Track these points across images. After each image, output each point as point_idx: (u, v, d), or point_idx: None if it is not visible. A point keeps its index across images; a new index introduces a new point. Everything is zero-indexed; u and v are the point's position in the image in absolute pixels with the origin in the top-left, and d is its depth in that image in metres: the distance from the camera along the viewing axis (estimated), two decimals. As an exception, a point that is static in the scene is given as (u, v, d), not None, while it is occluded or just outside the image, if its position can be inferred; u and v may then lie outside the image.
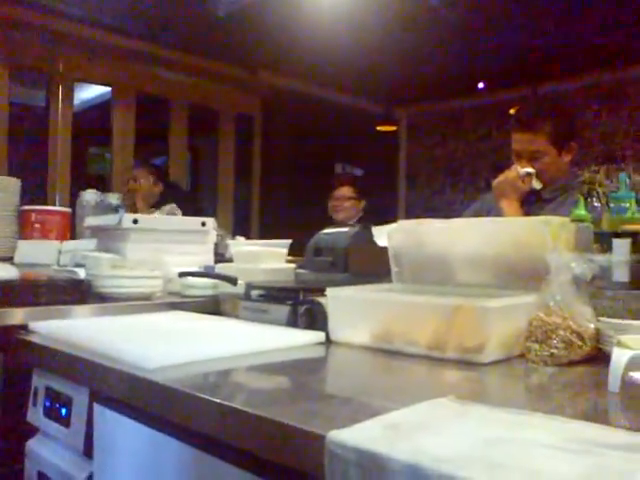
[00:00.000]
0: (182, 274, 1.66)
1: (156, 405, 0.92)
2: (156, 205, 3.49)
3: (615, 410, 0.87)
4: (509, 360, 1.10)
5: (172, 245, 1.98)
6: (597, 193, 1.32)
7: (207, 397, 0.82)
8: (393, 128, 6.33)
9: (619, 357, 0.89)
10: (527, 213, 1.93)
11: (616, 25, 4.54)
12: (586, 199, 1.33)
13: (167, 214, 3.11)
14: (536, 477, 0.55)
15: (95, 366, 1.07)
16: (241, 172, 5.98)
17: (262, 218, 6.00)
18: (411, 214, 7.09)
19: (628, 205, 1.27)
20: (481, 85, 6.20)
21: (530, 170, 1.94)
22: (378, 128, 6.23)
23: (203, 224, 2.03)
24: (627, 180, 1.31)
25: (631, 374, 0.85)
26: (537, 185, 1.96)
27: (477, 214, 2.16)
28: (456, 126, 6.71)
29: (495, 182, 2.01)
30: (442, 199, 6.71)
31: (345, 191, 3.79)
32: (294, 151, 6.01)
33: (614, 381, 0.87)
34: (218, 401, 0.81)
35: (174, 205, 3.42)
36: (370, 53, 5.14)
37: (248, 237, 5.75)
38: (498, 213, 1.98)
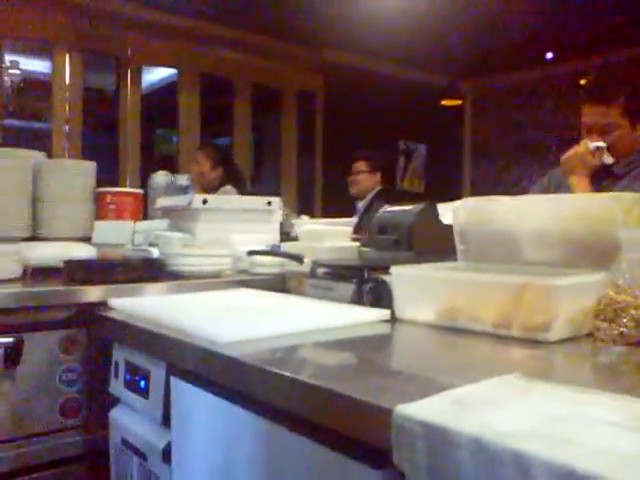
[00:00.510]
0: (250, 252, 1.71)
1: (228, 378, 0.97)
2: (212, 190, 3.56)
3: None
4: (577, 339, 1.09)
5: (239, 224, 2.03)
6: (672, 168, 1.27)
7: (277, 371, 0.86)
8: (458, 102, 6.21)
9: (692, 336, 0.87)
10: (597, 189, 1.88)
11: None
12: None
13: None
14: (602, 454, 0.56)
15: (171, 341, 1.13)
16: (304, 151, 6.02)
17: (325, 196, 6.03)
18: (477, 190, 6.96)
19: None
20: (550, 55, 5.99)
21: (601, 144, 1.88)
22: (442, 102, 6.12)
23: (269, 203, 2.08)
24: None
25: None
26: (608, 160, 1.89)
27: (544, 191, 2.11)
28: (523, 99, 6.52)
29: (564, 157, 1.96)
30: (509, 175, 6.57)
31: (359, 165, 3.95)
32: (356, 128, 5.99)
33: (687, 361, 0.86)
34: (288, 374, 0.84)
35: (229, 187, 3.52)
36: (433, 26, 5.05)
37: (312, 215, 5.82)
38: (567, 189, 1.94)
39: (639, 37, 5.16)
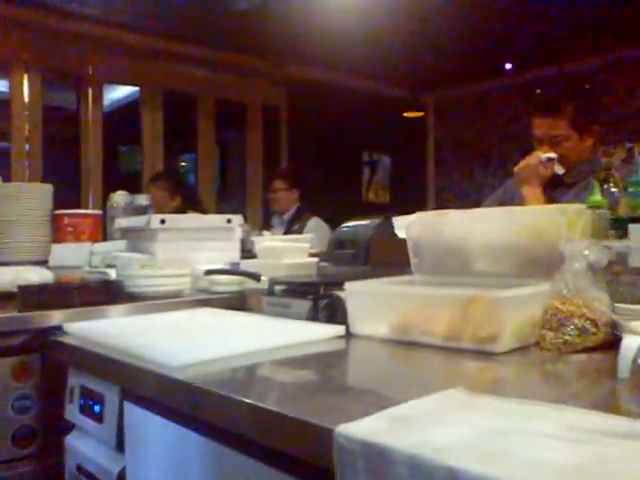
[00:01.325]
0: (208, 272, 1.71)
1: (180, 402, 0.96)
2: None
3: (623, 397, 0.88)
4: (525, 349, 1.12)
5: (199, 243, 2.03)
6: (613, 178, 1.31)
7: (227, 394, 0.86)
8: (420, 114, 6.29)
9: (629, 344, 0.90)
10: (550, 198, 1.93)
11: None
12: (602, 185, 1.33)
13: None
14: (531, 466, 0.57)
15: (124, 365, 1.12)
16: (269, 165, 6.03)
17: (291, 210, 6.03)
18: (441, 199, 7.05)
19: (645, 189, 1.27)
20: (509, 66, 6.11)
21: (552, 155, 1.93)
22: (405, 114, 6.19)
23: (229, 221, 2.08)
24: (644, 164, 1.30)
25: (641, 361, 0.86)
26: (559, 170, 1.94)
27: (500, 201, 2.16)
28: (484, 109, 6.64)
29: (517, 168, 2.00)
30: (472, 183, 6.66)
31: (277, 183, 4.02)
32: (321, 141, 6.03)
33: (623, 368, 0.88)
34: (238, 397, 0.84)
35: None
36: (393, 40, 5.12)
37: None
38: (521, 199, 1.98)
39: (593, 48, 5.31)
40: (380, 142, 6.56)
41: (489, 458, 0.59)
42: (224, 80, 5.68)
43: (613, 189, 1.31)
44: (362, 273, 1.65)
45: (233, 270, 1.71)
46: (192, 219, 2.20)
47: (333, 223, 4.00)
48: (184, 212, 3.65)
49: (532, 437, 0.65)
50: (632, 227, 1.19)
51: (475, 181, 6.62)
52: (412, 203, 6.88)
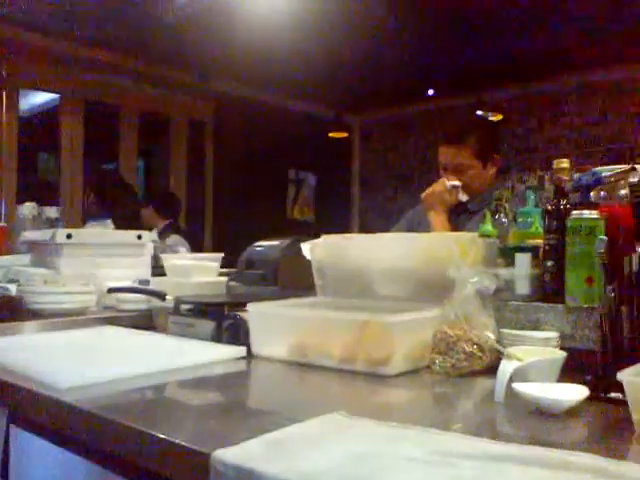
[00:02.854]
0: (111, 290, 1.68)
1: (66, 426, 0.94)
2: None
3: (495, 420, 0.93)
4: (416, 371, 1.16)
5: (108, 259, 1.99)
6: (504, 209, 1.39)
7: (108, 416, 0.85)
8: (344, 135, 6.40)
9: (504, 368, 0.95)
10: (454, 225, 2.01)
11: (555, 37, 4.70)
12: (494, 214, 1.40)
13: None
14: (389, 490, 0.60)
15: (11, 387, 1.08)
16: (194, 180, 5.97)
17: (215, 225, 6.00)
18: (365, 220, 7.18)
19: (533, 220, 1.35)
20: (431, 91, 6.32)
21: (456, 183, 2.02)
22: (330, 135, 6.29)
23: (139, 237, 2.05)
24: (533, 196, 1.38)
25: (514, 385, 0.92)
26: (463, 197, 2.03)
27: (409, 225, 2.23)
28: (407, 132, 6.83)
29: (423, 194, 2.08)
30: (395, 204, 6.81)
31: (146, 212, 4.03)
32: (247, 157, 6.03)
33: (499, 392, 0.93)
34: (122, 421, 0.84)
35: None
36: (320, 60, 5.20)
37: (201, 245, 5.75)
38: (428, 224, 2.05)
39: (510, 79, 5.58)
40: (306, 160, 6.63)
41: (352, 482, 0.61)
42: (148, 92, 5.60)
43: (504, 219, 1.39)
44: (270, 293, 1.66)
45: (136, 288, 1.69)
46: (101, 234, 2.15)
47: (257, 239, 4.01)
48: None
49: (397, 461, 0.67)
50: (518, 256, 1.26)
51: (398, 202, 6.77)
52: (337, 222, 7.01)
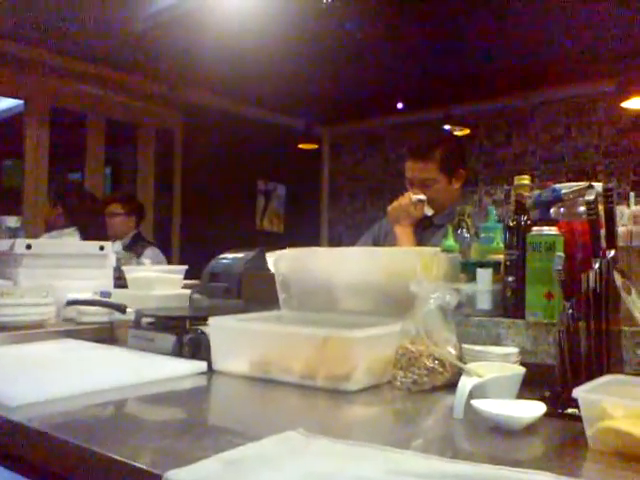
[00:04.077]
0: (70, 302, 1.64)
1: (14, 446, 0.91)
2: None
3: (454, 437, 0.93)
4: (378, 387, 1.15)
5: (69, 270, 1.95)
6: (466, 224, 1.40)
7: (57, 435, 0.83)
8: (314, 146, 6.41)
9: (463, 385, 0.95)
10: (420, 238, 2.02)
11: (522, 54, 4.79)
12: (456, 230, 1.41)
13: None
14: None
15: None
16: (161, 189, 5.91)
17: (182, 236, 5.94)
18: (334, 232, 7.20)
19: (494, 235, 1.36)
20: (400, 105, 6.38)
21: (422, 197, 2.03)
22: (300, 146, 6.29)
23: (101, 248, 2.01)
24: (494, 211, 1.39)
25: (472, 402, 0.92)
26: (429, 211, 2.05)
27: (375, 238, 2.23)
28: (376, 145, 6.88)
29: (389, 208, 2.09)
30: (364, 216, 6.84)
31: (113, 208, 3.90)
32: (216, 167, 6.00)
33: (458, 408, 0.93)
34: (70, 440, 0.81)
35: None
36: (290, 72, 5.21)
37: (169, 256, 5.68)
38: (394, 238, 2.06)
39: (478, 94, 5.67)
40: (276, 171, 6.62)
41: (305, 504, 0.60)
42: (116, 100, 5.53)
43: (466, 234, 1.40)
44: (233, 307, 1.65)
45: (96, 301, 1.65)
46: (63, 245, 2.11)
47: (225, 251, 3.97)
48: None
49: (354, 481, 0.67)
50: (479, 271, 1.27)
51: (367, 214, 6.80)
52: (306, 233, 7.01)
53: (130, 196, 4.49)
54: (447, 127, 5.28)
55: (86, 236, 2.72)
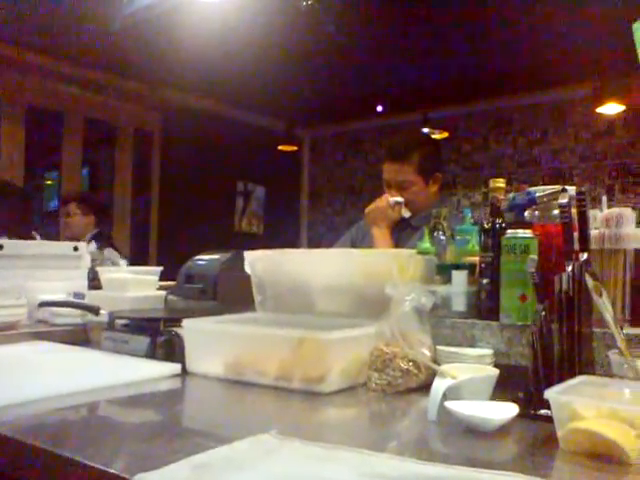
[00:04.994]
0: (42, 304, 1.62)
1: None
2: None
3: (428, 439, 0.93)
4: (353, 389, 1.15)
5: (42, 271, 1.92)
6: (442, 226, 1.41)
7: (23, 439, 0.81)
8: (294, 148, 6.41)
9: (437, 386, 0.95)
10: (397, 240, 2.02)
11: (501, 59, 4.84)
12: (433, 232, 1.42)
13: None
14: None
15: None
16: (139, 190, 5.86)
17: (160, 238, 5.89)
18: (314, 233, 7.20)
19: (470, 238, 1.36)
20: (380, 108, 6.40)
21: (399, 199, 2.04)
22: (279, 148, 6.28)
23: (75, 249, 1.98)
24: (470, 214, 1.40)
25: (446, 404, 0.92)
26: (406, 213, 2.05)
27: (352, 240, 2.23)
28: (356, 148, 6.90)
29: (367, 210, 2.09)
30: (343, 219, 6.85)
31: (70, 207, 3.84)
32: (195, 168, 5.96)
33: (432, 410, 0.93)
34: (33, 444, 0.80)
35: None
36: (269, 73, 5.20)
37: (146, 257, 5.62)
38: (371, 239, 2.06)
39: (455, 99, 5.71)
40: (255, 173, 6.60)
41: (275, 507, 0.60)
42: (94, 99, 5.48)
43: (442, 237, 1.40)
44: (209, 309, 1.63)
45: (68, 302, 1.63)
46: (35, 245, 2.08)
47: (204, 252, 3.94)
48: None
49: (325, 483, 0.66)
50: (455, 273, 1.27)
51: (347, 216, 6.81)
52: (285, 234, 6.99)
53: (88, 195, 4.38)
54: (426, 130, 5.31)
55: (8, 234, 2.63)
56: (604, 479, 0.73)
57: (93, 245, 2.25)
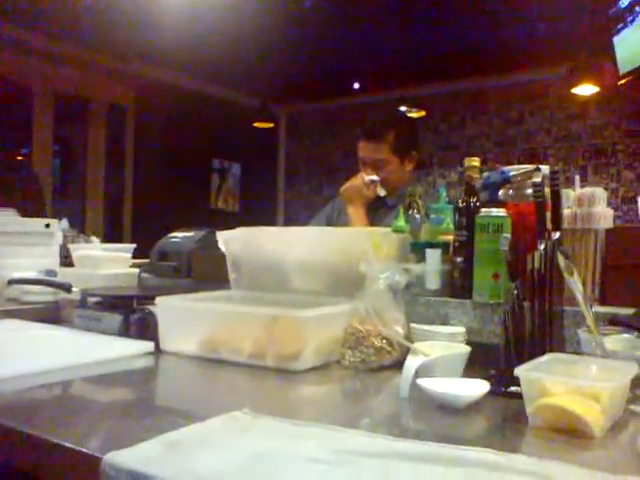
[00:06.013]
0: (12, 281, 1.59)
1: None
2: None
3: (400, 416, 0.94)
4: (327, 366, 1.15)
5: (12, 248, 1.88)
6: (417, 205, 1.41)
7: None
8: (270, 125, 6.35)
9: (409, 364, 0.96)
10: (372, 219, 2.02)
11: (478, 38, 4.83)
12: (407, 210, 1.42)
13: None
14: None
15: None
16: (113, 166, 5.77)
17: (134, 215, 5.83)
18: (290, 211, 7.18)
19: (444, 216, 1.37)
20: (357, 85, 6.37)
21: (374, 178, 2.03)
22: (255, 124, 6.22)
23: (47, 226, 1.95)
24: (445, 192, 1.40)
25: (418, 381, 0.93)
26: (381, 192, 2.05)
27: (328, 218, 2.23)
28: (333, 125, 6.86)
29: (342, 188, 2.09)
30: (320, 196, 6.84)
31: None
32: (170, 144, 5.89)
33: (404, 387, 0.94)
34: (5, 424, 0.79)
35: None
36: (245, 48, 5.13)
37: (120, 235, 5.55)
38: (346, 218, 2.06)
39: (432, 77, 5.70)
40: (231, 150, 6.54)
41: (247, 484, 0.60)
42: (64, 73, 5.35)
43: (416, 215, 1.41)
44: (183, 286, 1.62)
45: (39, 279, 1.61)
46: (6, 222, 2.03)
47: (179, 230, 3.90)
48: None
49: (295, 461, 0.66)
50: (428, 252, 1.28)
51: (323, 194, 6.80)
52: (262, 213, 6.96)
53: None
54: (403, 108, 5.29)
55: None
56: (569, 452, 0.74)
57: (65, 222, 2.23)
